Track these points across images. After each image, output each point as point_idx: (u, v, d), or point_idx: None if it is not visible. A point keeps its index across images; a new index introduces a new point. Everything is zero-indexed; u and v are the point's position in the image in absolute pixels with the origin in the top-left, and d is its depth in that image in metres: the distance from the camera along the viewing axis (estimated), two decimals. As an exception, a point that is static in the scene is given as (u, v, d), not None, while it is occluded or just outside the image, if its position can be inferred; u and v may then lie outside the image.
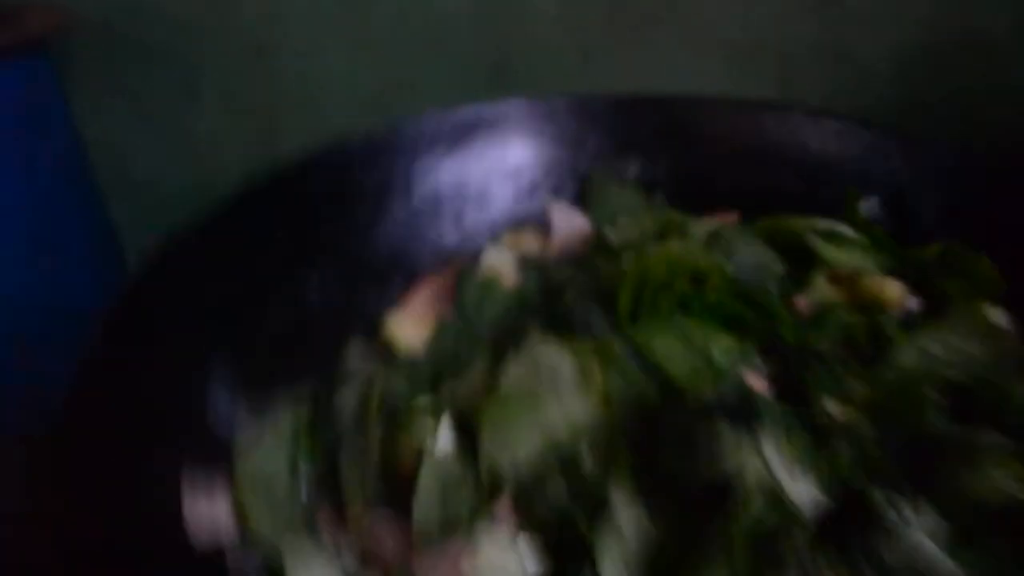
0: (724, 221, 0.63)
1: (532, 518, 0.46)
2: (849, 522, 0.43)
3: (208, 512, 0.47)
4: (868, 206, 0.63)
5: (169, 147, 1.01)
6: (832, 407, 0.51)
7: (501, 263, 0.61)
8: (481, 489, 0.47)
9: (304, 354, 0.56)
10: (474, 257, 0.62)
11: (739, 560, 0.41)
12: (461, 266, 0.62)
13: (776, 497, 0.43)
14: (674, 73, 0.92)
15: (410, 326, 0.57)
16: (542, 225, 0.65)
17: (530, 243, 0.63)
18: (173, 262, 0.54)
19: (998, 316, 0.54)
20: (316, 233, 0.60)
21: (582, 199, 0.68)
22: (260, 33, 0.94)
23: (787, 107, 0.67)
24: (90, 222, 0.84)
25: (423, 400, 0.51)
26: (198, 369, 0.51)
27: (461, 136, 0.66)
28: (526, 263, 0.62)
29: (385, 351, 0.57)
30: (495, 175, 0.66)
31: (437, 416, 0.50)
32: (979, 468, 0.46)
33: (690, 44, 0.91)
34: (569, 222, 0.65)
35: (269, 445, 0.51)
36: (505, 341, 0.55)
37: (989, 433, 0.48)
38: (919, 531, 0.42)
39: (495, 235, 0.65)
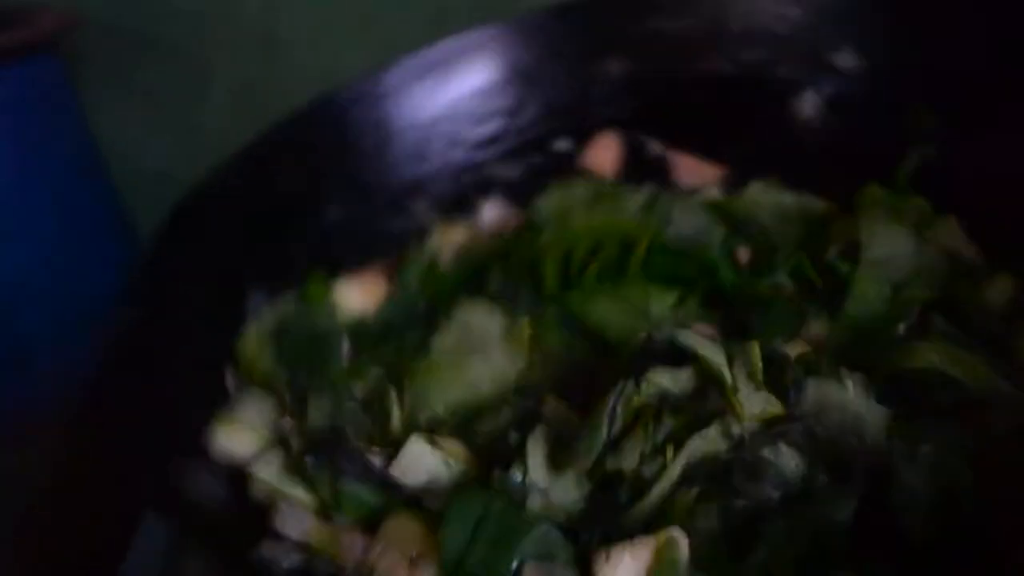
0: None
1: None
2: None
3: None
4: (843, 57, 0.61)
5: (179, 141, 1.00)
6: (787, 348, 0.48)
7: (440, 249, 0.61)
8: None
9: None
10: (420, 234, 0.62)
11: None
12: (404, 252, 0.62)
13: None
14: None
15: (356, 294, 0.58)
16: (474, 219, 0.65)
17: (463, 234, 0.63)
18: (209, 197, 0.61)
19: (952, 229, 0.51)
20: (329, 169, 0.64)
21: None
22: (267, 24, 0.95)
23: None
24: (105, 216, 0.85)
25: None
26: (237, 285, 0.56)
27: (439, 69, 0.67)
28: (462, 249, 0.61)
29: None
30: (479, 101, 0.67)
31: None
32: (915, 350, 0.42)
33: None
34: (501, 214, 0.65)
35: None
36: (440, 313, 0.54)
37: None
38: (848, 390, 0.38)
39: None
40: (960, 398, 0.39)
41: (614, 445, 0.37)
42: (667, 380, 0.40)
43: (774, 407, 0.39)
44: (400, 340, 0.53)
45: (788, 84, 0.62)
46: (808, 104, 0.62)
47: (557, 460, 0.38)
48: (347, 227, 0.63)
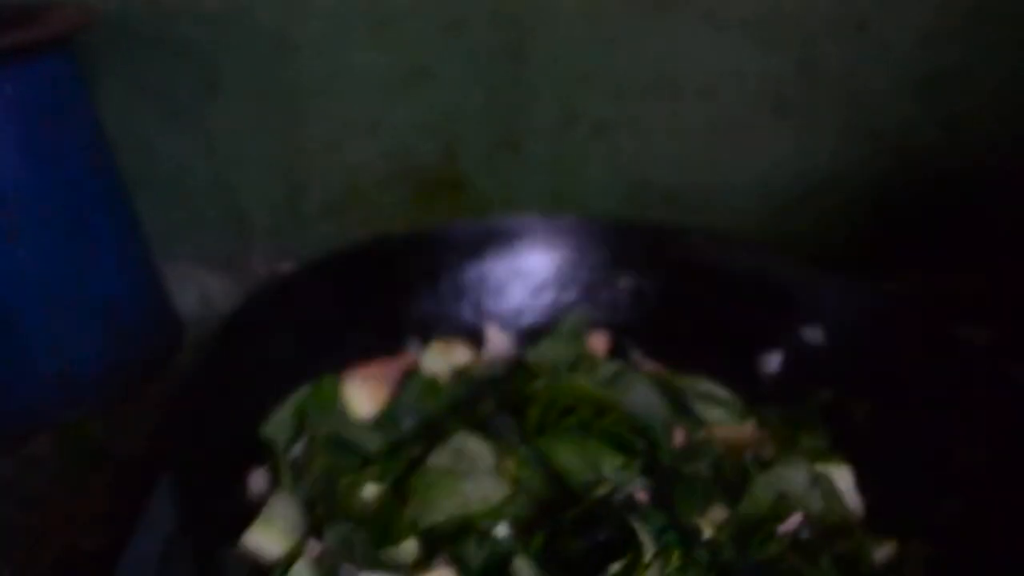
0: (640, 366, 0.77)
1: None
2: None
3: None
4: (813, 333, 0.75)
5: (192, 141, 1.03)
6: (700, 523, 0.62)
7: (438, 368, 0.73)
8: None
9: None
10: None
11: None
12: (408, 363, 0.73)
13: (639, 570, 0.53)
14: (696, 54, 0.94)
15: (363, 395, 0.69)
16: (472, 339, 0.78)
17: (460, 353, 0.75)
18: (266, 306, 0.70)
19: (842, 473, 0.66)
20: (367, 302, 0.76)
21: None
22: (280, 25, 0.97)
23: (758, 245, 0.82)
24: (115, 215, 0.86)
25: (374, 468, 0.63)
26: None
27: (485, 242, 0.81)
28: (458, 372, 0.74)
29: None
30: (514, 274, 0.82)
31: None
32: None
33: (711, 22, 0.93)
34: (498, 342, 0.77)
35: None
36: (435, 432, 0.66)
37: (824, 569, 0.59)
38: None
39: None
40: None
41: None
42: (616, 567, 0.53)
43: None
44: (402, 455, 0.63)
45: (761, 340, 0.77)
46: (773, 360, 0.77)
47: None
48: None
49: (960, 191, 0.97)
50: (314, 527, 0.57)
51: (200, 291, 1.02)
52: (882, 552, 0.61)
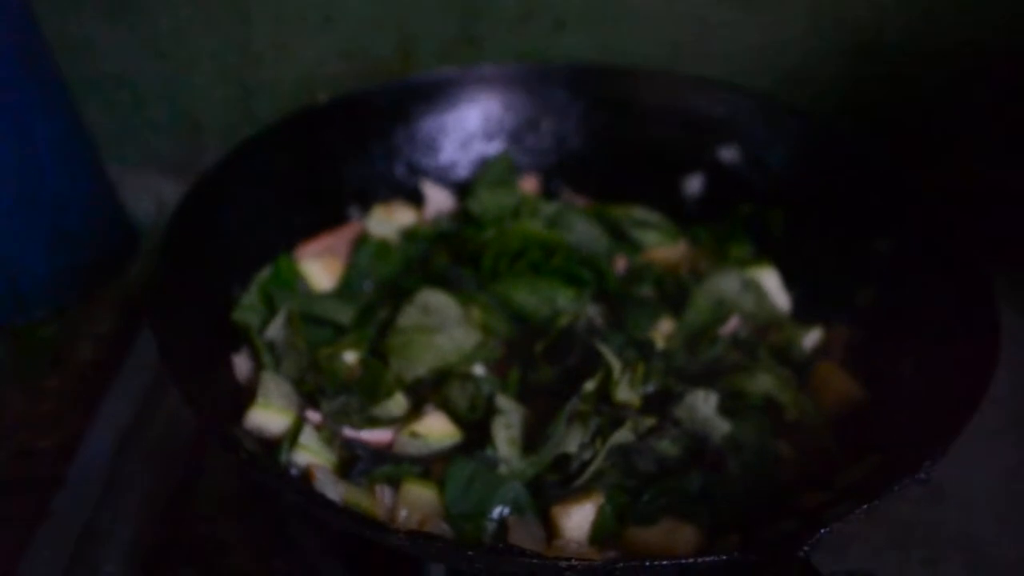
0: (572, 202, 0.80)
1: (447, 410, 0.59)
2: (662, 401, 0.59)
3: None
4: (729, 152, 0.79)
5: (138, 42, 0.97)
6: (653, 337, 0.66)
7: (385, 231, 0.74)
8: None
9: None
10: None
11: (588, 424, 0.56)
12: (354, 232, 0.74)
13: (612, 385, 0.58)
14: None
15: (320, 270, 0.70)
16: (412, 199, 0.79)
17: (402, 214, 0.76)
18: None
19: (769, 275, 0.71)
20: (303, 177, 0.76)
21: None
22: None
23: (671, 75, 0.83)
24: (55, 115, 0.81)
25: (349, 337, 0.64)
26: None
27: (409, 100, 0.80)
28: (405, 232, 0.75)
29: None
30: (441, 129, 0.81)
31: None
32: (752, 376, 0.62)
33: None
34: (438, 198, 0.78)
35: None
36: (396, 293, 0.68)
37: (763, 359, 0.65)
38: (703, 404, 0.58)
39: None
40: (777, 416, 0.60)
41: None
42: (590, 385, 0.58)
43: (634, 401, 0.58)
44: (372, 320, 0.65)
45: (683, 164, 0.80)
46: (695, 182, 0.80)
47: (524, 444, 0.56)
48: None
49: (928, 87, 0.94)
50: (308, 399, 0.59)
51: (155, 197, 0.97)
52: (810, 339, 0.67)
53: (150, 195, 0.98)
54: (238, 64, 0.98)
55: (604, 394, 0.57)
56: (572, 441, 0.55)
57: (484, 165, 0.81)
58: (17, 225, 0.80)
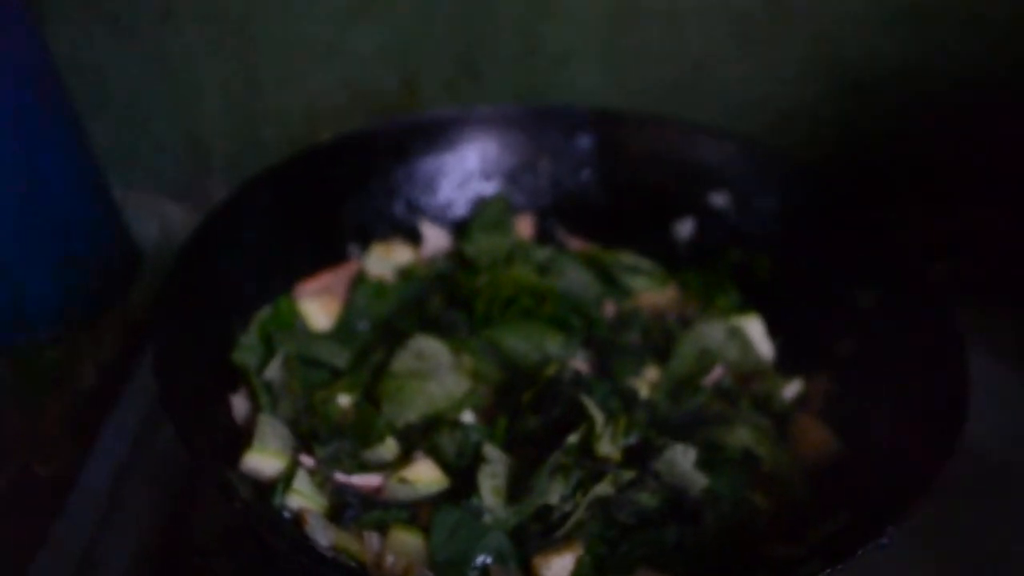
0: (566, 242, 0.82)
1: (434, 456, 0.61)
2: (643, 454, 0.60)
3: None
4: (719, 198, 0.80)
5: (146, 65, 0.97)
6: (636, 384, 0.68)
7: (382, 270, 0.76)
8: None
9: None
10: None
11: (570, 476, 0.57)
12: (352, 271, 0.76)
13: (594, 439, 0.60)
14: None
15: (317, 309, 0.72)
16: (410, 237, 0.81)
17: (400, 253, 0.78)
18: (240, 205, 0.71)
19: (753, 324, 0.73)
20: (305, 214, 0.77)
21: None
22: None
23: (664, 120, 0.83)
24: (65, 139, 0.82)
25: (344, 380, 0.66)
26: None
27: (409, 139, 0.82)
28: (402, 271, 0.77)
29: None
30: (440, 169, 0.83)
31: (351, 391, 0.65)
32: (732, 429, 0.64)
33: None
34: (436, 238, 0.80)
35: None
36: (390, 334, 0.70)
37: (744, 410, 0.67)
38: (682, 458, 0.59)
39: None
40: (754, 469, 0.61)
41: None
42: (573, 439, 0.60)
43: (614, 454, 0.59)
44: (366, 364, 0.67)
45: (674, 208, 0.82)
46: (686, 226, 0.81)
47: (508, 494, 0.57)
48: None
49: (923, 129, 0.94)
50: (302, 442, 0.61)
51: (160, 220, 0.98)
52: (790, 389, 0.69)
53: (154, 218, 0.99)
54: (244, 91, 0.99)
55: (586, 447, 0.59)
56: (554, 493, 0.56)
57: (481, 205, 0.83)
58: (23, 247, 0.81)
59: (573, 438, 0.59)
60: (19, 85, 0.76)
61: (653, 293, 0.77)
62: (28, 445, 0.76)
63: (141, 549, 0.65)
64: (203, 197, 1.00)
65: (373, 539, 0.55)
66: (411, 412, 0.63)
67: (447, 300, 0.72)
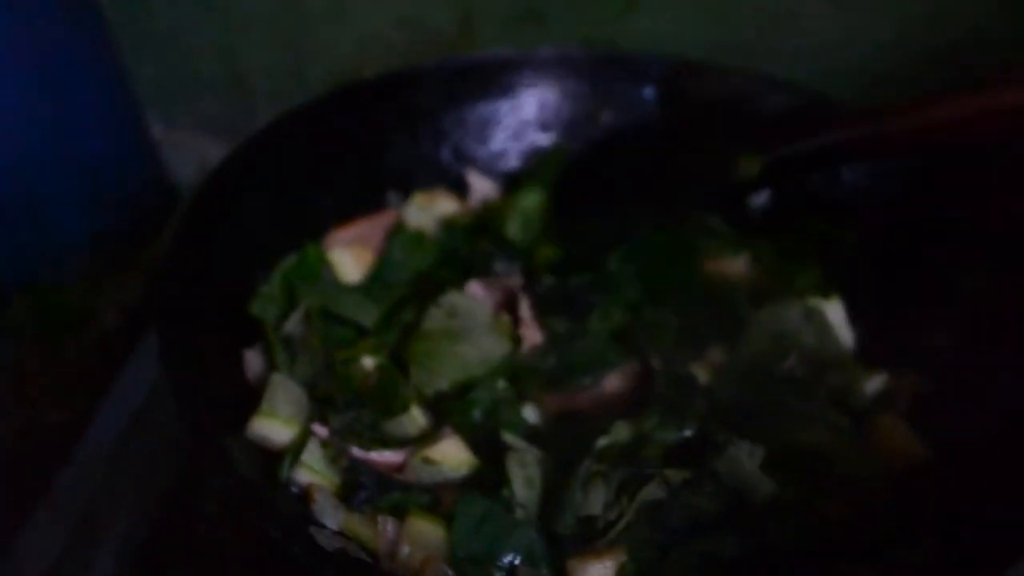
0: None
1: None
2: (699, 450, 0.52)
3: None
4: None
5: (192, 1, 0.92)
6: (697, 371, 0.60)
7: (423, 221, 0.68)
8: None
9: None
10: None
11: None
12: (390, 220, 0.68)
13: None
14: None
15: (349, 260, 0.64)
16: (455, 188, 0.72)
17: (444, 203, 0.70)
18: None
19: (834, 307, 0.63)
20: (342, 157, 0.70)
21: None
22: None
23: (742, 72, 0.73)
24: (99, 71, 0.78)
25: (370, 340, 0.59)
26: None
27: (463, 81, 0.74)
28: (445, 223, 0.69)
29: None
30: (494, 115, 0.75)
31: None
32: (805, 426, 0.55)
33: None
34: (484, 190, 0.72)
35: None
36: (428, 289, 0.61)
37: (819, 405, 0.57)
38: (747, 459, 0.51)
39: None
40: (828, 474, 0.52)
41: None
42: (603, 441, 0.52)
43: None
44: (396, 323, 0.59)
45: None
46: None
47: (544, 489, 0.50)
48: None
49: None
50: (318, 407, 0.54)
51: (200, 159, 0.91)
52: (873, 384, 0.59)
53: (195, 157, 0.93)
54: (292, 26, 0.91)
55: (624, 449, 0.51)
56: (595, 503, 0.48)
57: (536, 158, 0.74)
58: (52, 182, 0.75)
59: (603, 441, 0.51)
60: (56, 17, 0.71)
61: (723, 260, 0.67)
62: (43, 390, 0.70)
63: (143, 512, 0.59)
64: (244, 137, 0.95)
65: (388, 525, 0.47)
66: (441, 379, 0.55)
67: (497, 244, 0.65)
